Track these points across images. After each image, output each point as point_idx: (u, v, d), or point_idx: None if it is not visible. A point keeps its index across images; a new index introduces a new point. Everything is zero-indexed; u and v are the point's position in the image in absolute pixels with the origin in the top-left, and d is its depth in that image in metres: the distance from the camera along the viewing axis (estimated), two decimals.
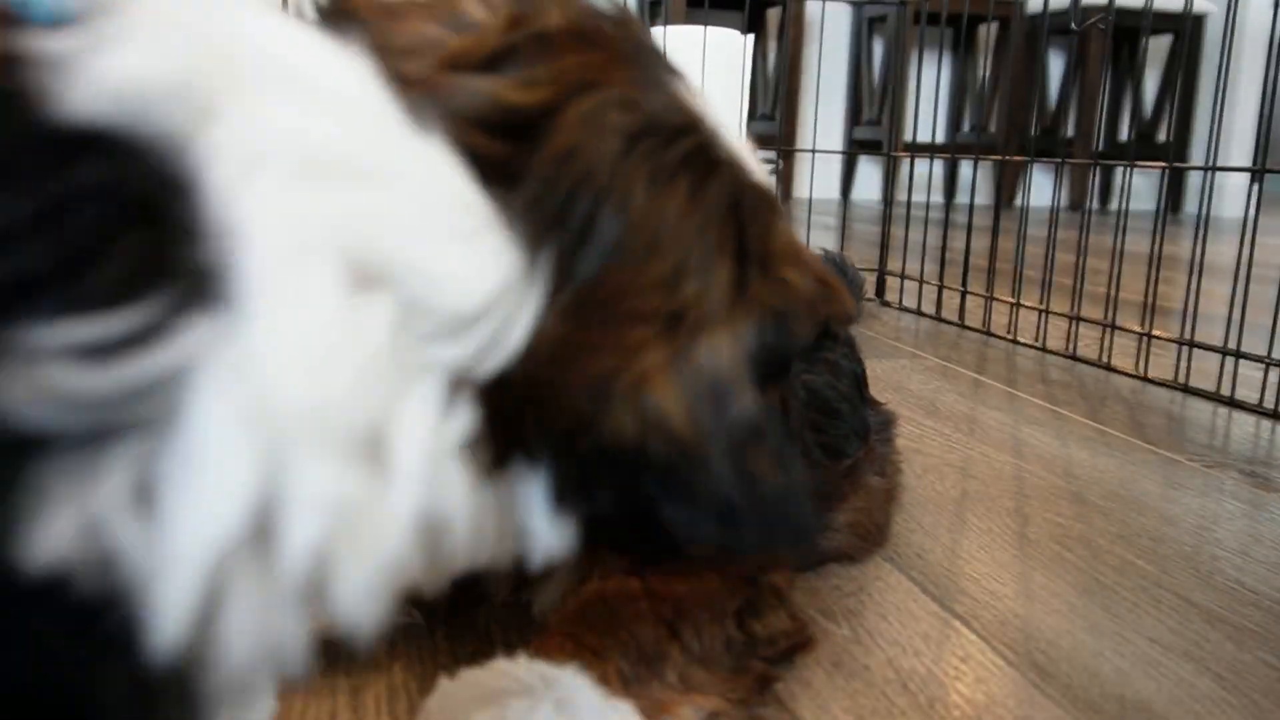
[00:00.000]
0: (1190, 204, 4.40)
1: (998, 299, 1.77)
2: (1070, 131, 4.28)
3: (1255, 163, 1.38)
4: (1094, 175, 1.60)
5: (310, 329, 0.28)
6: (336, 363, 0.28)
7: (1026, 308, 1.72)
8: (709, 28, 1.87)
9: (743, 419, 0.41)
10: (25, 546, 0.22)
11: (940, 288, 1.91)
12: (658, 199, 0.40)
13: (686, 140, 0.42)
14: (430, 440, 0.33)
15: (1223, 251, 1.61)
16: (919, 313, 1.95)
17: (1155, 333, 1.48)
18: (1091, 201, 1.61)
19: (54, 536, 0.22)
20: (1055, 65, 4.70)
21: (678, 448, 0.38)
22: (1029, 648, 0.68)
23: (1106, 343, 1.53)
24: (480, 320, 0.34)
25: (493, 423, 0.36)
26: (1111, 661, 0.67)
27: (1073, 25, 1.77)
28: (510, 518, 0.39)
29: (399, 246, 0.32)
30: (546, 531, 0.40)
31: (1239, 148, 4.02)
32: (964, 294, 1.85)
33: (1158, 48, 4.61)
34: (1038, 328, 1.66)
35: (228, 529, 0.25)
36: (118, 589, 0.23)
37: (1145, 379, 1.44)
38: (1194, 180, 4.27)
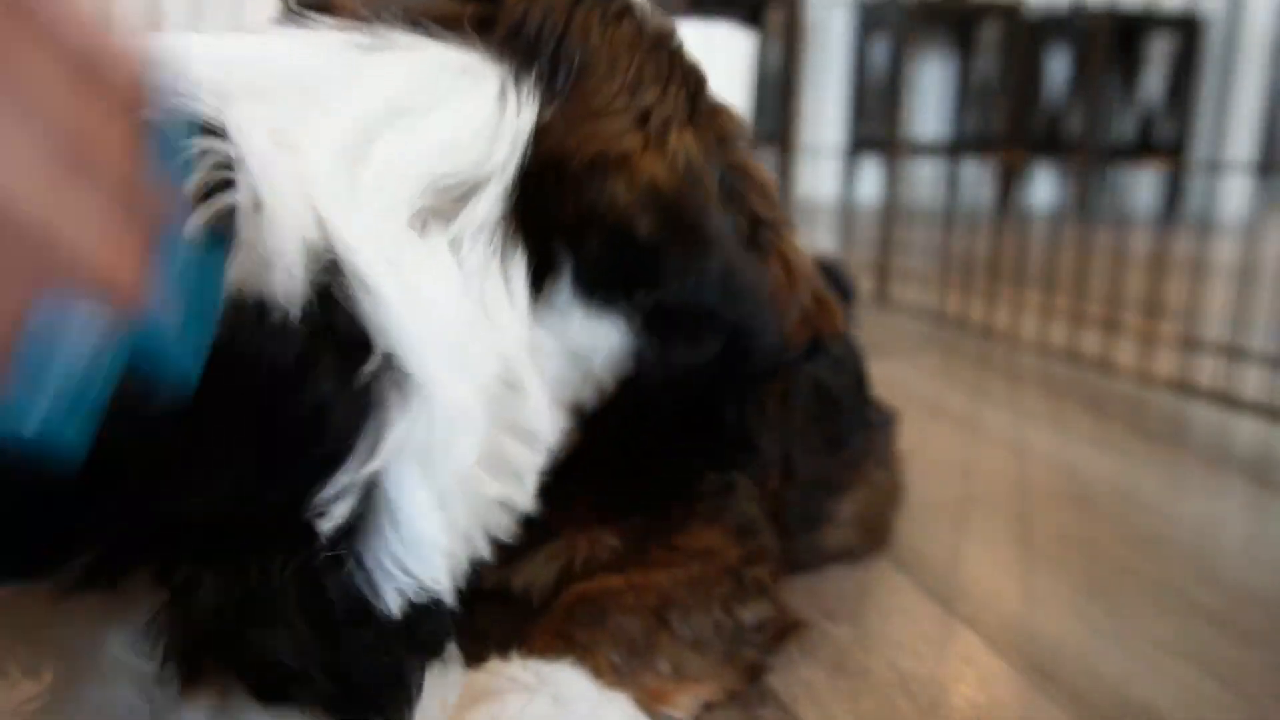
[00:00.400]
0: (1190, 204, 4.40)
1: (1000, 299, 1.77)
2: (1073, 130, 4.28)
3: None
4: (1101, 173, 1.60)
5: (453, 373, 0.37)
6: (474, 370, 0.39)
7: (1028, 308, 1.72)
8: (713, 26, 1.86)
9: (714, 216, 0.47)
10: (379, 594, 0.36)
11: (942, 288, 1.91)
12: (608, 33, 0.48)
13: (623, 4, 0.50)
14: (519, 333, 0.42)
15: (1223, 251, 1.61)
16: (920, 313, 1.95)
17: (1157, 332, 1.48)
18: (1096, 199, 1.61)
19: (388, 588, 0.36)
20: (1057, 65, 4.70)
21: (665, 207, 0.45)
22: (1031, 649, 0.68)
23: (1108, 343, 1.52)
24: (490, 166, 0.42)
25: (525, 243, 0.44)
26: (1114, 663, 0.67)
27: None
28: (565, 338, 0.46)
29: (435, 152, 0.40)
30: (595, 332, 0.46)
31: (1240, 147, 4.02)
32: (966, 294, 1.85)
33: (1160, 48, 4.60)
34: (1039, 328, 1.65)
35: (439, 556, 0.38)
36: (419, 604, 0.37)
37: (1147, 379, 1.44)
38: (1194, 179, 4.27)
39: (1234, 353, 1.33)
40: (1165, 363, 1.42)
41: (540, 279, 0.45)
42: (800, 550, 0.74)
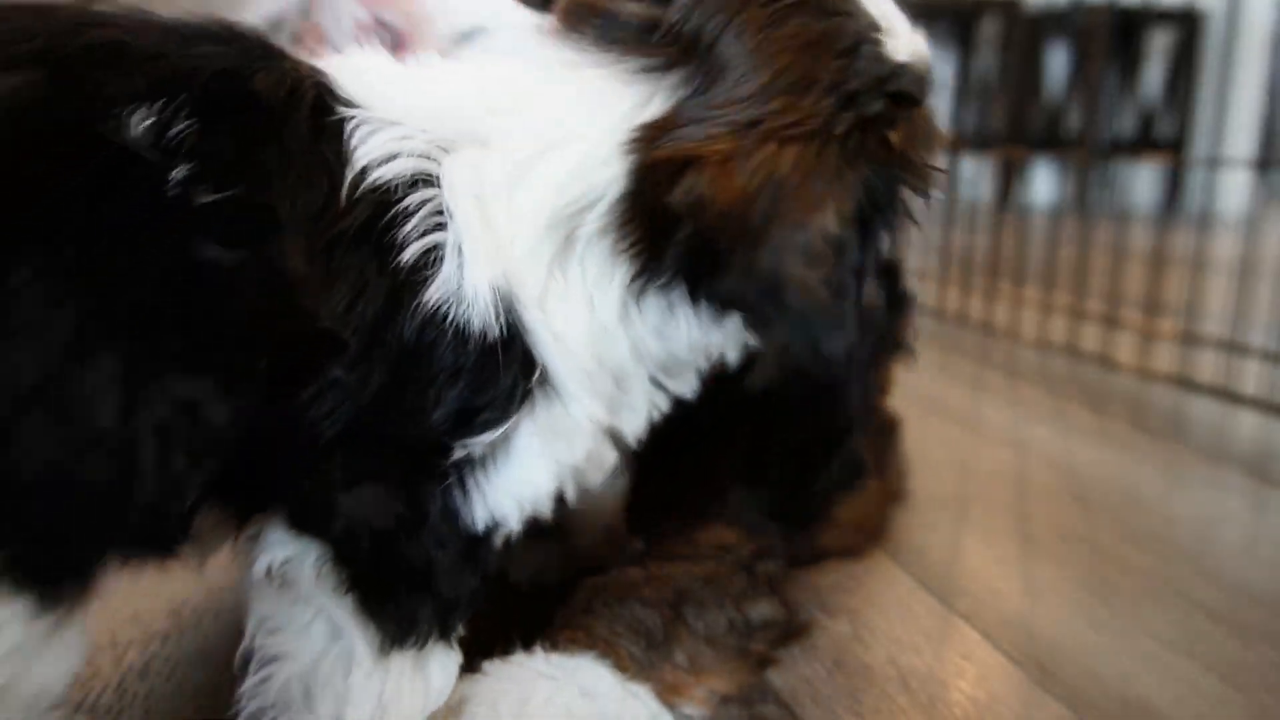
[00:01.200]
0: (1190, 199, 4.39)
1: (999, 295, 1.77)
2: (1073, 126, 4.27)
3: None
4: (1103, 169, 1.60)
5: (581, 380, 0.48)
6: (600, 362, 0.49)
7: (1028, 304, 1.71)
8: None
9: (815, 232, 0.46)
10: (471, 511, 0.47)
11: (942, 284, 1.90)
12: (767, 33, 0.47)
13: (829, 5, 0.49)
14: (626, 343, 0.50)
15: (1223, 246, 1.61)
16: (920, 309, 1.94)
17: (1156, 328, 1.47)
18: (1096, 195, 1.60)
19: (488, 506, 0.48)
20: (1056, 60, 4.69)
21: (720, 212, 0.45)
22: (1031, 646, 0.68)
23: (1108, 338, 1.52)
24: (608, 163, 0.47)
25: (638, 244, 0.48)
26: (1114, 659, 0.67)
27: None
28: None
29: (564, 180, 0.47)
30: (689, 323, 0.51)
31: (1240, 142, 4.01)
32: (965, 290, 1.85)
33: (1160, 43, 4.59)
34: (1039, 324, 1.65)
35: (539, 494, 0.49)
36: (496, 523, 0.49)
37: (1147, 374, 1.44)
38: (1195, 174, 4.26)
39: (1234, 348, 1.33)
40: (1165, 358, 1.42)
41: (652, 276, 0.49)
42: (799, 548, 0.74)
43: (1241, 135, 4.01)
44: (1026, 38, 4.12)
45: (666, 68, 0.48)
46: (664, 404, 0.54)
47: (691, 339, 0.51)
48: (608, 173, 0.47)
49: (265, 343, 0.41)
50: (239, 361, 0.40)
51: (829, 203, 0.47)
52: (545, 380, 0.47)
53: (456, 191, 0.45)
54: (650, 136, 0.47)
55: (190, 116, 0.39)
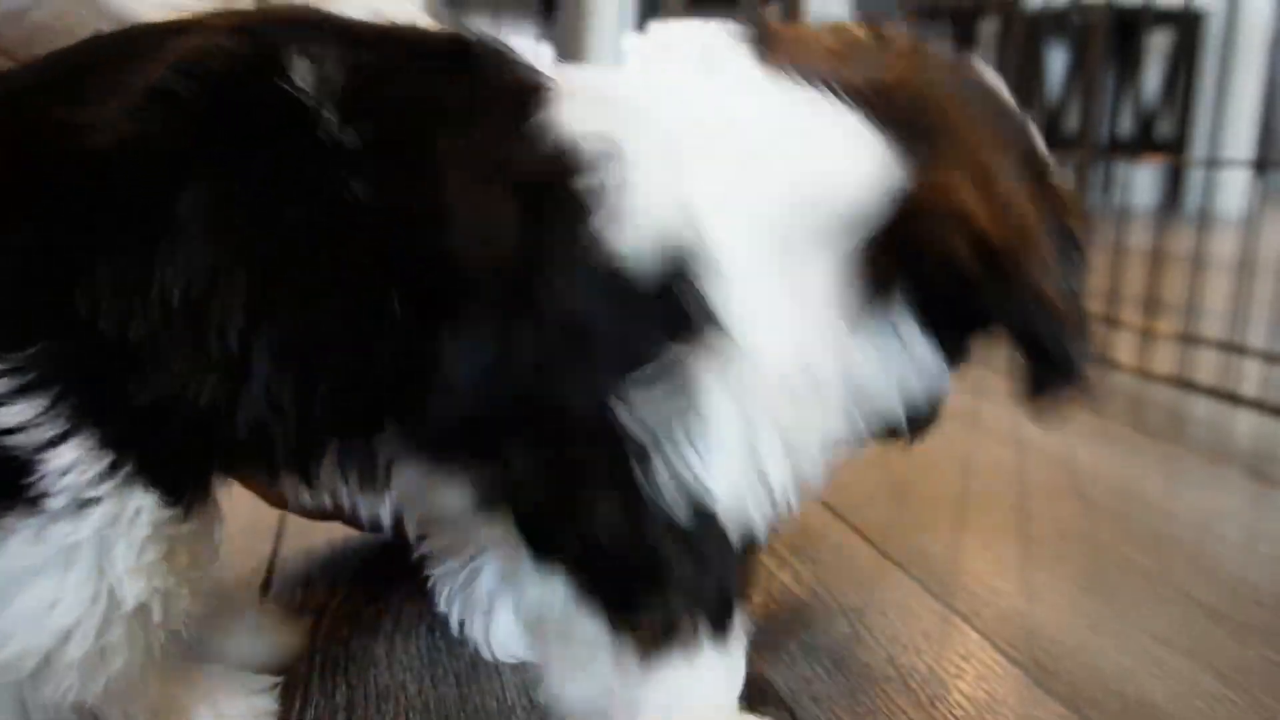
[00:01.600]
0: (1189, 199, 4.39)
1: None
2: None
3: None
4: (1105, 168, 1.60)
5: (773, 339, 0.47)
6: (789, 345, 0.48)
7: None
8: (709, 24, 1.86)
9: (1035, 261, 0.51)
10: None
11: None
12: (961, 109, 0.53)
13: (999, 100, 0.57)
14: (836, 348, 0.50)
15: (1223, 246, 1.61)
16: None
17: (1155, 327, 1.47)
18: (1093, 195, 1.60)
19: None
20: (1056, 60, 4.69)
21: (986, 248, 0.49)
22: (1031, 645, 0.68)
23: (1107, 338, 1.52)
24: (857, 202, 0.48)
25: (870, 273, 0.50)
26: (1114, 659, 0.67)
27: None
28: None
29: (814, 195, 0.48)
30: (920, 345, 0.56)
31: (1239, 141, 4.01)
32: None
33: (1159, 43, 4.59)
34: None
35: (738, 471, 0.47)
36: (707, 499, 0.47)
37: (1146, 374, 1.44)
38: (1194, 174, 4.26)
39: (1233, 348, 1.33)
40: (1164, 358, 1.42)
41: (875, 302, 0.51)
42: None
43: (1240, 135, 4.01)
44: (1025, 38, 4.12)
45: (886, 128, 0.50)
46: (843, 438, 0.53)
47: (899, 362, 0.55)
48: (865, 198, 0.48)
49: (393, 274, 0.43)
50: (367, 289, 0.43)
51: (1048, 242, 0.53)
52: (718, 326, 0.46)
53: (639, 166, 0.46)
54: (915, 181, 0.49)
55: (339, 65, 0.44)
